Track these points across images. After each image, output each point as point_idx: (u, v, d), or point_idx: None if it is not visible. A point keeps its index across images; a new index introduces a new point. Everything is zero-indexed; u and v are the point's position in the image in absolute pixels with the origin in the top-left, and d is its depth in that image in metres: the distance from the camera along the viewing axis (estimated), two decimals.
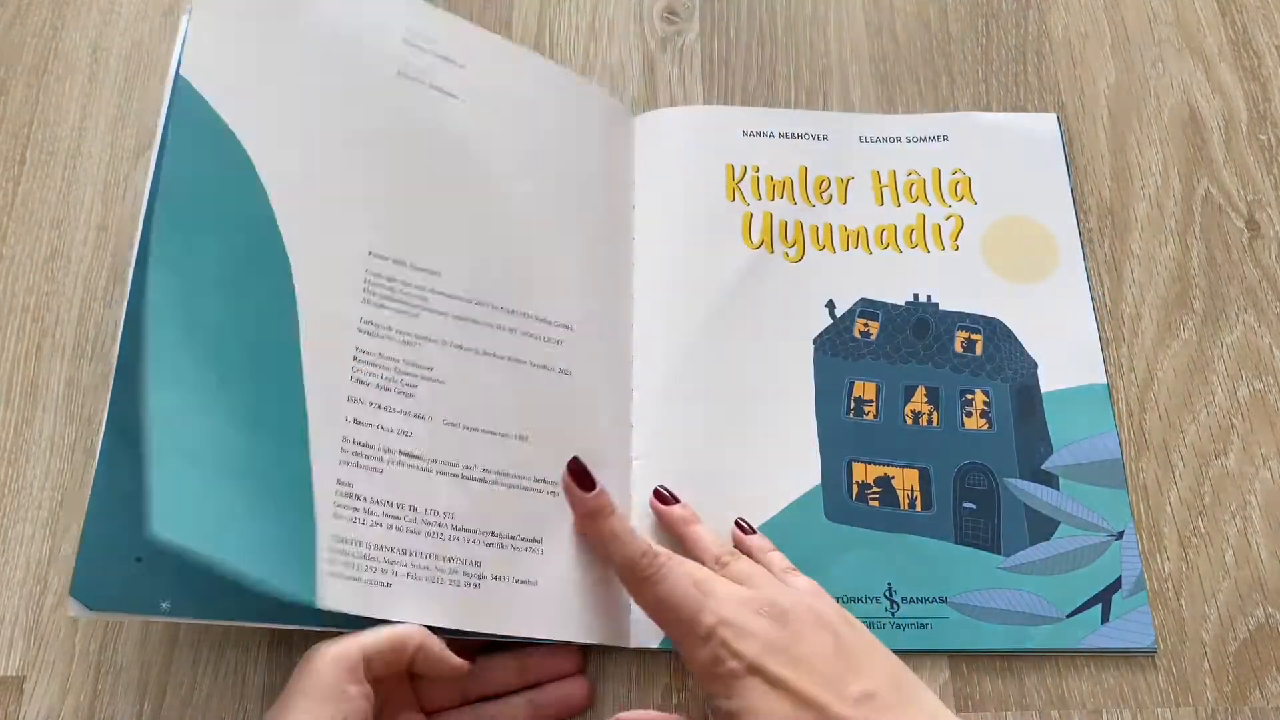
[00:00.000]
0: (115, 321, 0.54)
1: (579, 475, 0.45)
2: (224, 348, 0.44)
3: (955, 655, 0.49)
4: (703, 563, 0.47)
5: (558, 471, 0.49)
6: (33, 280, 0.55)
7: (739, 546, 0.49)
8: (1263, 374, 0.55)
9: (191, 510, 0.41)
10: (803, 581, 0.46)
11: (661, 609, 0.43)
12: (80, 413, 0.52)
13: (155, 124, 0.58)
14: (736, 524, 0.50)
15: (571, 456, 0.46)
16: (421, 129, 0.52)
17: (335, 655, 0.40)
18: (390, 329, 0.48)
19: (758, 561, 0.48)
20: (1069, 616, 0.49)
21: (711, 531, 0.49)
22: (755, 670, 0.41)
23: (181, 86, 0.46)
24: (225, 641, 0.48)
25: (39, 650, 0.48)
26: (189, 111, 0.46)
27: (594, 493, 0.45)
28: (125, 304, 0.43)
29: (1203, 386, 0.55)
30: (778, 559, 0.48)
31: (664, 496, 0.50)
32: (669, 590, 0.43)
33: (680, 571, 0.44)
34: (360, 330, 0.47)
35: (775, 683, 0.41)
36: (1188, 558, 0.51)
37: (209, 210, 0.45)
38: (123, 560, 0.41)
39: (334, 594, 0.43)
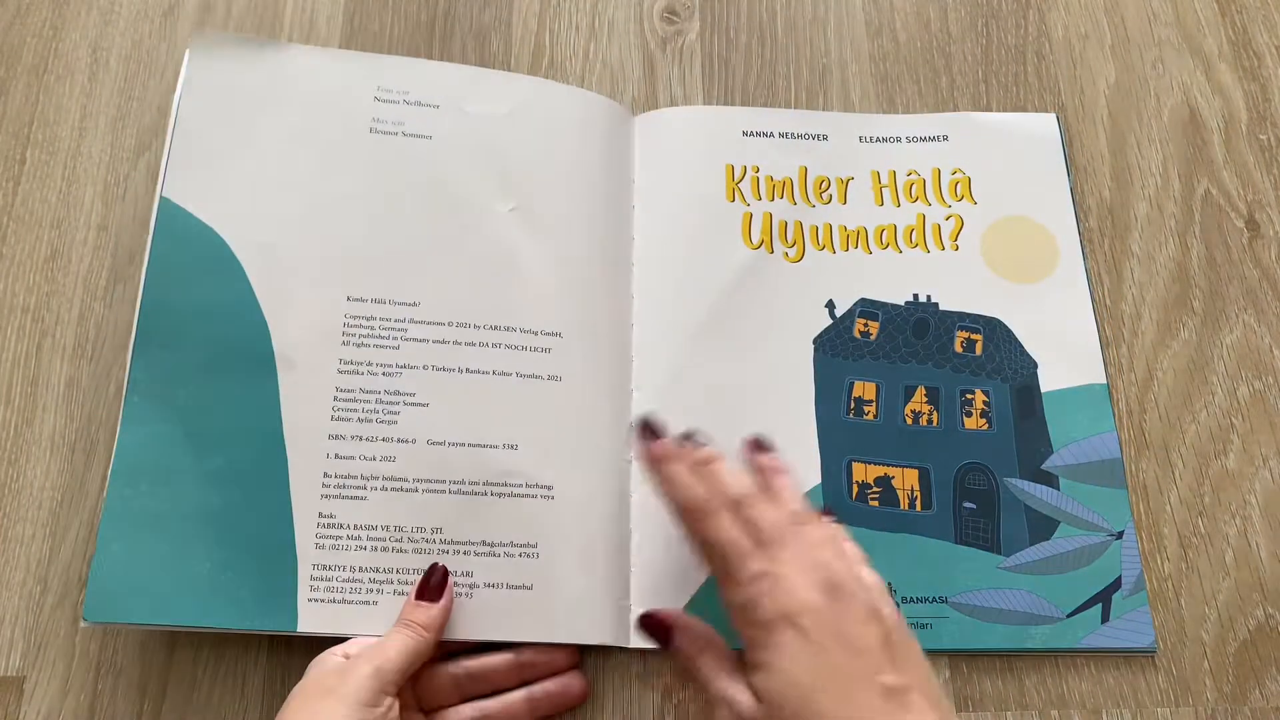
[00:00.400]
0: (115, 321, 0.54)
1: (643, 429, 0.47)
2: (205, 423, 0.49)
3: (955, 655, 0.49)
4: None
5: (550, 475, 0.50)
6: (33, 280, 0.55)
7: (752, 464, 0.47)
8: (1263, 374, 0.55)
9: (140, 584, 0.46)
10: (820, 533, 0.43)
11: (709, 550, 0.43)
12: (80, 412, 0.52)
13: (155, 124, 0.58)
14: (751, 442, 0.48)
15: (639, 418, 0.47)
16: (394, 176, 0.55)
17: (377, 669, 0.42)
18: (370, 364, 0.50)
19: (770, 488, 0.45)
20: (1069, 616, 0.49)
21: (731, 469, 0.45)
22: (789, 623, 0.39)
23: (164, 205, 0.52)
24: (225, 641, 0.48)
25: (39, 650, 0.48)
26: (172, 222, 0.52)
27: (657, 442, 0.46)
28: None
29: (1203, 386, 0.55)
30: (789, 499, 0.45)
31: (652, 429, 0.47)
32: (718, 532, 0.42)
33: (735, 522, 0.42)
34: (340, 371, 0.50)
35: (807, 639, 0.39)
36: (1188, 558, 0.51)
37: (189, 302, 0.50)
38: (131, 576, 0.46)
39: (315, 618, 0.47)
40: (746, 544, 0.42)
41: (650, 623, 0.47)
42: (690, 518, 0.43)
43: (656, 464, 0.45)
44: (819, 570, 0.41)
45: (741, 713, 0.40)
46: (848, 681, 0.38)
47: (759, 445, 0.48)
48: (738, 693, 0.40)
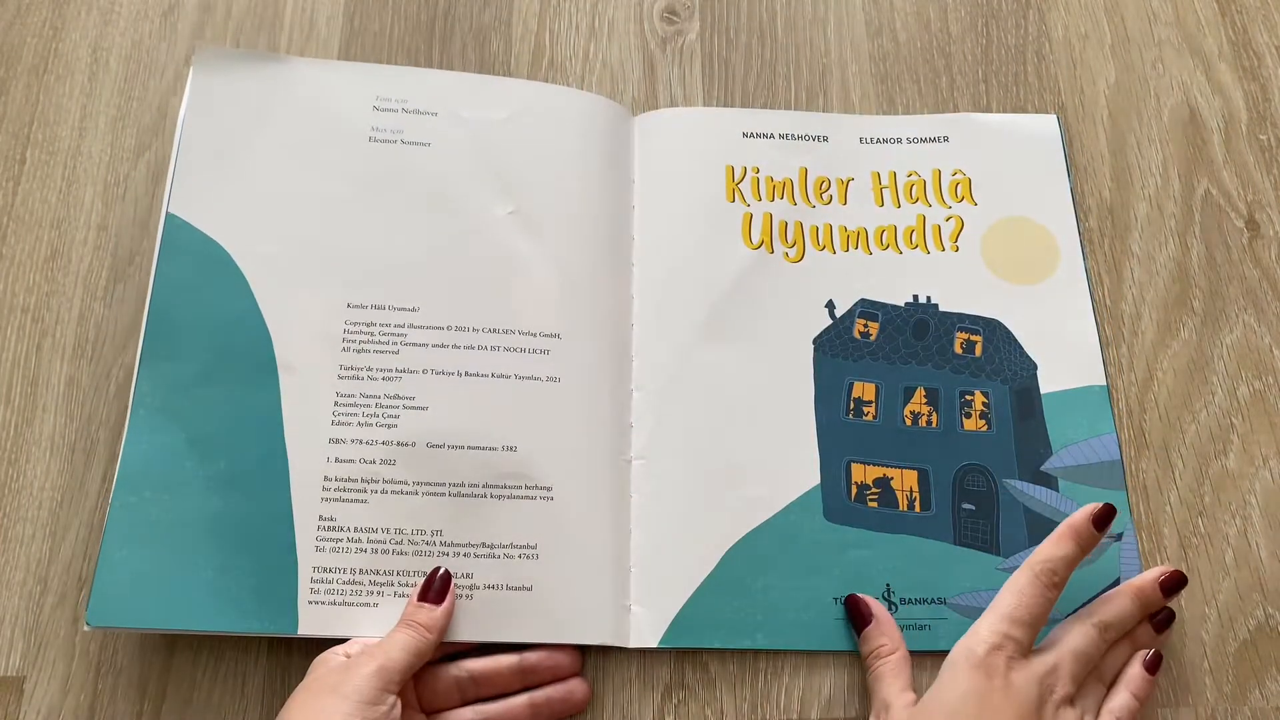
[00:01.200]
0: (115, 321, 0.54)
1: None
2: (208, 430, 0.49)
3: None
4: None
5: (550, 476, 0.50)
6: (33, 280, 0.55)
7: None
8: (1263, 374, 0.55)
9: (143, 590, 0.46)
10: None
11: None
12: (80, 412, 0.52)
13: (155, 124, 0.58)
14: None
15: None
16: (394, 184, 0.55)
17: (380, 667, 0.42)
18: (370, 369, 0.51)
19: None
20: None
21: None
22: None
23: (170, 220, 0.53)
24: (225, 642, 0.48)
25: (39, 650, 0.48)
26: (177, 236, 0.52)
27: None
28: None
29: (1203, 386, 0.55)
30: None
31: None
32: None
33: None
34: (340, 377, 0.50)
35: None
36: (1188, 558, 0.51)
37: (194, 314, 0.51)
38: (134, 581, 0.46)
39: (315, 620, 0.47)
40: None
41: (857, 605, 0.49)
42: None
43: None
44: None
45: (892, 715, 0.45)
46: None
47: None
48: (897, 699, 0.45)
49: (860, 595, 0.49)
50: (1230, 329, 0.56)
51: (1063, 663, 0.45)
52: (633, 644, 0.49)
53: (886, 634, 0.48)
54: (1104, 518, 0.47)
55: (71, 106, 0.58)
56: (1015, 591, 0.45)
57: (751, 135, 0.59)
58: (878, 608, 0.49)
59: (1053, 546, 0.46)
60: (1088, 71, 0.62)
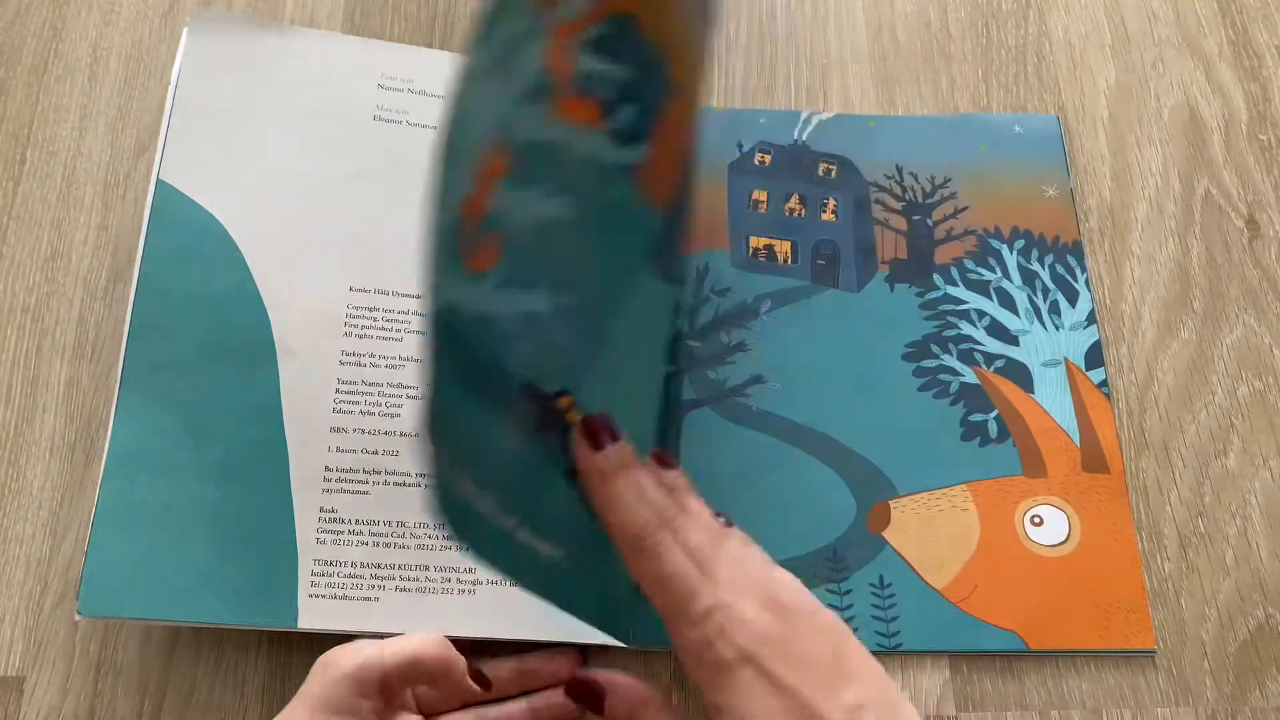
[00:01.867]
0: (115, 321, 0.54)
1: (591, 431, 0.37)
2: (203, 414, 0.48)
3: (955, 655, 0.49)
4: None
5: None
6: (33, 280, 0.55)
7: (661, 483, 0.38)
8: (1263, 374, 0.55)
9: (136, 579, 0.45)
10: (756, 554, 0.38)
11: (656, 587, 0.36)
12: (80, 413, 0.52)
13: (155, 124, 0.58)
14: (656, 457, 0.39)
15: (583, 418, 0.37)
16: (398, 165, 0.53)
17: (354, 670, 0.40)
18: (373, 355, 0.50)
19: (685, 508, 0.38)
20: None
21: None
22: (748, 661, 0.35)
23: (161, 187, 0.51)
24: (225, 641, 0.48)
25: (39, 650, 0.48)
26: (168, 206, 0.50)
27: (602, 453, 0.37)
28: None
29: (1203, 386, 0.55)
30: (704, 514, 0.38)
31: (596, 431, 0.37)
32: (663, 567, 0.36)
33: (679, 549, 0.36)
34: (341, 363, 0.49)
35: (767, 677, 0.35)
36: (1187, 558, 0.51)
37: (186, 288, 0.49)
38: (127, 570, 0.45)
39: (316, 615, 0.46)
40: (695, 574, 0.36)
41: (580, 689, 0.38)
42: (635, 548, 0.36)
43: (598, 482, 0.37)
44: (759, 588, 0.36)
45: None
46: (812, 712, 0.35)
47: (665, 461, 0.39)
48: None
49: (581, 676, 0.38)
50: (1230, 329, 0.56)
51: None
52: (633, 644, 0.49)
53: (626, 696, 0.38)
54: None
55: (71, 106, 0.58)
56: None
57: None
58: (606, 677, 0.38)
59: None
60: (1088, 71, 0.62)
